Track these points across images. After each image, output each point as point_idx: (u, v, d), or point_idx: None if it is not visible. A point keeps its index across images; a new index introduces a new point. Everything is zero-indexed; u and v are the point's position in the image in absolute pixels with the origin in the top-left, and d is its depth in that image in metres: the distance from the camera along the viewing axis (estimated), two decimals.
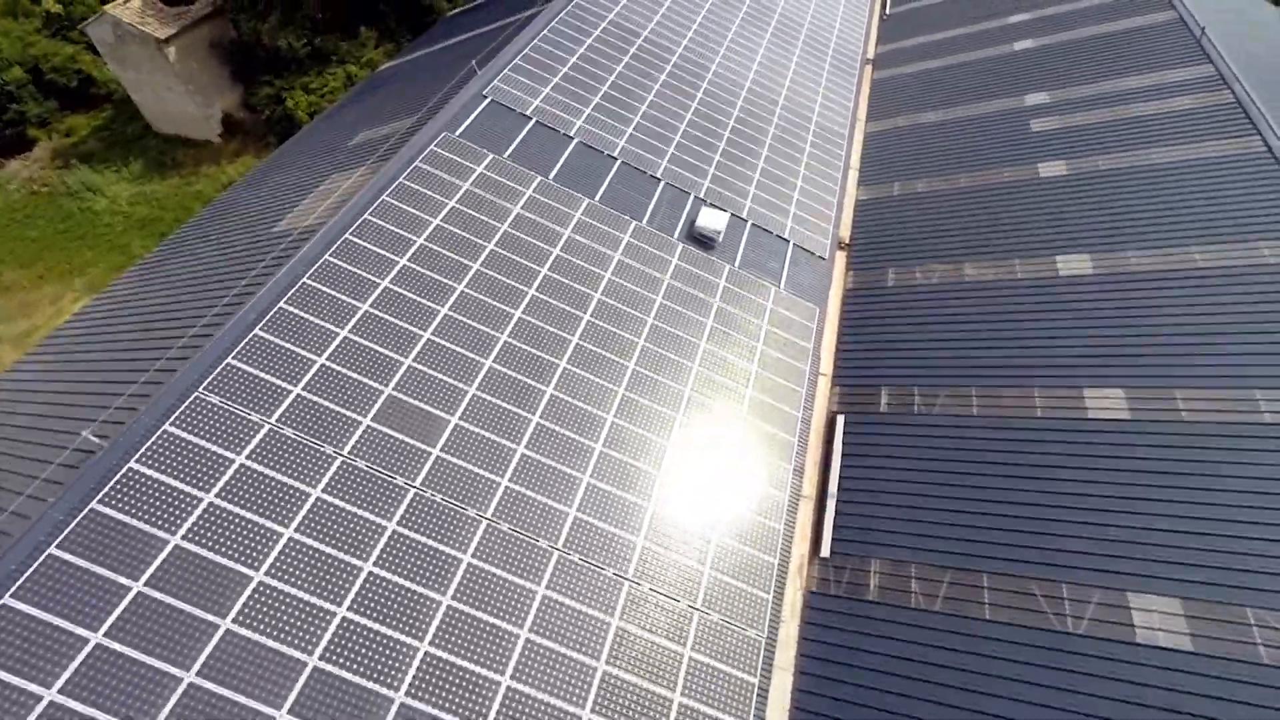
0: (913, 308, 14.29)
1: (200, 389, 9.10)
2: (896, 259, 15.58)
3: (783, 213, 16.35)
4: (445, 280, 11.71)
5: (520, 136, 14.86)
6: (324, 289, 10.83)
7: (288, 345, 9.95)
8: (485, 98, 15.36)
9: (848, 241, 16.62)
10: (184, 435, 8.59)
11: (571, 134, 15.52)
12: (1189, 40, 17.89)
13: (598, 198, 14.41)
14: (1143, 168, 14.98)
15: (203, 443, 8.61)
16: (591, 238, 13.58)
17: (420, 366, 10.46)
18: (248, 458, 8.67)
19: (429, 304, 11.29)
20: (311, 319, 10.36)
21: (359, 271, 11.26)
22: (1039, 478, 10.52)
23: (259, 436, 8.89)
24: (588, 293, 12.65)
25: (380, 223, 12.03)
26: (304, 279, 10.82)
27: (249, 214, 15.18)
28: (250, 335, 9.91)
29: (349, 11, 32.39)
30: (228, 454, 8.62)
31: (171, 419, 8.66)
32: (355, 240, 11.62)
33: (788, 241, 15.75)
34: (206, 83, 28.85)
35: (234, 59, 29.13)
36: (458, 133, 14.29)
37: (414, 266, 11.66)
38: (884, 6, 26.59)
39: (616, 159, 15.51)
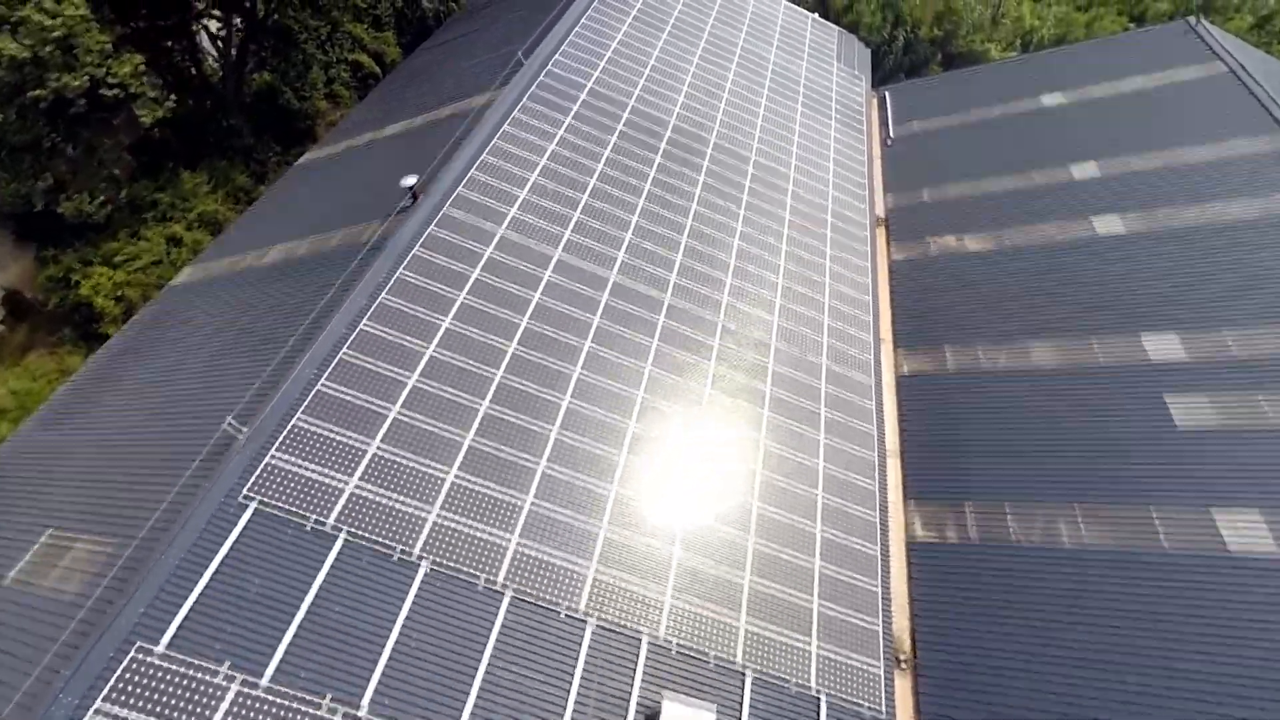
0: None
1: None
2: (1005, 695, 8.89)
3: (801, 627, 9.43)
4: None
5: (310, 596, 7.67)
6: None
7: None
8: (245, 504, 8.12)
9: (911, 656, 9.88)
10: None
11: (414, 554, 8.40)
12: None
13: None
14: None
15: None
16: None
17: None
18: None
19: None
20: None
21: None
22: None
23: None
24: None
25: None
26: None
27: None
28: None
29: (191, 132, 24.45)
30: None
31: None
32: None
33: (817, 698, 8.92)
34: None
35: (12, 222, 21.23)
36: (163, 643, 7.01)
37: None
38: (885, 128, 20.07)
39: (503, 594, 8.44)
